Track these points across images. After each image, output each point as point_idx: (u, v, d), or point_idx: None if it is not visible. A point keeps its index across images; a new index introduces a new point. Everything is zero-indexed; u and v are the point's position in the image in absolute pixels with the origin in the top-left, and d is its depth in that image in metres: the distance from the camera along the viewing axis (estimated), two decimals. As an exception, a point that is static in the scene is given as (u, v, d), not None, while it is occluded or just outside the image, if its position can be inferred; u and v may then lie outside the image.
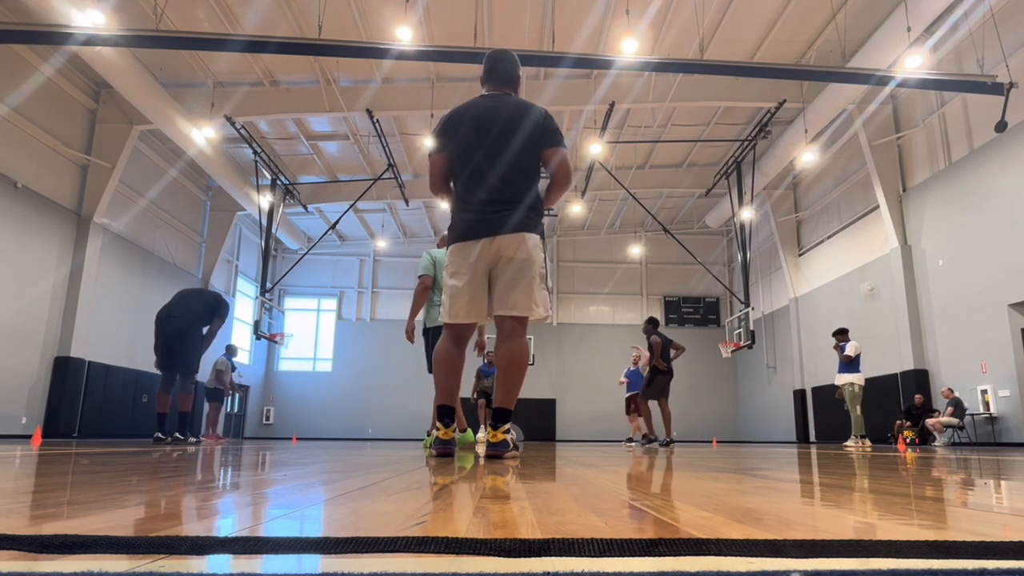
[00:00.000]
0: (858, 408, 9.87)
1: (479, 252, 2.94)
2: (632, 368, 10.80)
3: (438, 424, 3.22)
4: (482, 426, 10.65)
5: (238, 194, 17.31)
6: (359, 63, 13.41)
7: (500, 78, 3.19)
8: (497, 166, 2.97)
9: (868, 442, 9.94)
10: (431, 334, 5.08)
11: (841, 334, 10.27)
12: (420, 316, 5.30)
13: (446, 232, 3.38)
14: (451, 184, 3.17)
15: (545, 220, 3.42)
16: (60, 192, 12.82)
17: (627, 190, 16.49)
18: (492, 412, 3.09)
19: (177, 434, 7.18)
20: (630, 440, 10.92)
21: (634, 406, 10.56)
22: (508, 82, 3.20)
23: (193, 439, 7.27)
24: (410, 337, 5.21)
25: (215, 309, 7.10)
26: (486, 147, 2.99)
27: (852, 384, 9.88)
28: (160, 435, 6.79)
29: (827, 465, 3.08)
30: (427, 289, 5.10)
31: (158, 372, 6.91)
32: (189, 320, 6.90)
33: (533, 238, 2.96)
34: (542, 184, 3.14)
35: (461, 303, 2.98)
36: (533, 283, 2.94)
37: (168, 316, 6.86)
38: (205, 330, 7.16)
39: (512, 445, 3.14)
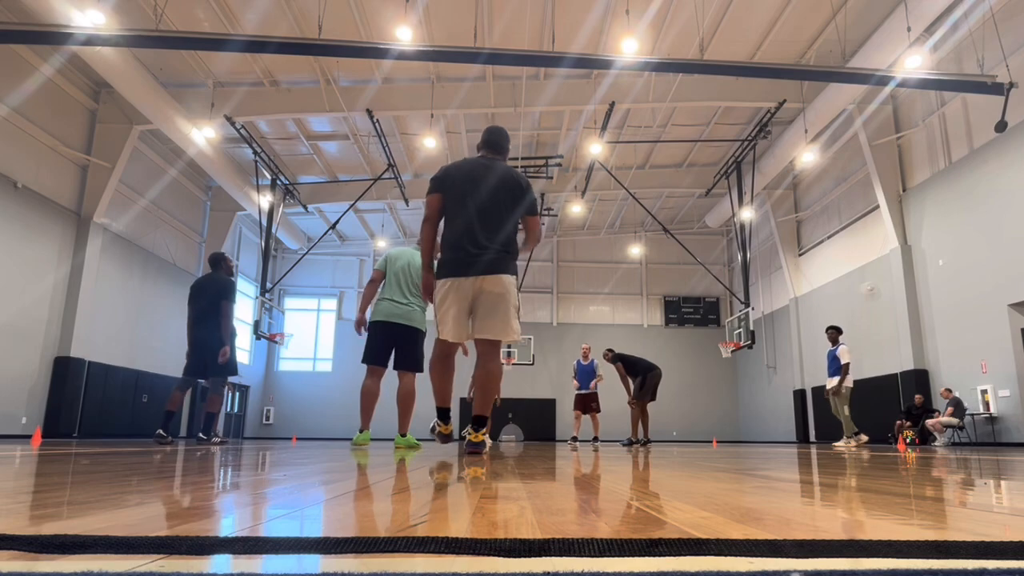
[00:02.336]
0: (846, 408, 9.91)
1: (466, 287, 3.56)
2: (584, 363, 10.69)
3: (439, 422, 3.99)
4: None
5: (238, 194, 17.31)
6: (359, 63, 13.41)
7: (494, 147, 3.91)
8: (486, 218, 3.62)
9: (864, 436, 9.95)
10: (373, 328, 5.41)
11: (834, 330, 10.24)
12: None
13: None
14: (437, 219, 3.82)
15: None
16: (60, 192, 12.82)
17: (627, 190, 16.50)
18: (471, 419, 3.71)
19: (201, 434, 6.96)
20: (575, 440, 10.84)
21: (595, 404, 10.52)
22: (500, 151, 3.92)
23: (217, 439, 7.06)
24: (358, 329, 5.49)
25: (219, 295, 6.73)
26: (479, 201, 3.63)
27: (844, 386, 9.88)
28: (162, 432, 6.47)
29: (827, 465, 3.08)
30: (375, 283, 5.51)
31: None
32: (213, 327, 6.64)
33: (509, 278, 3.62)
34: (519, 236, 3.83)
35: (450, 325, 3.58)
36: (508, 313, 3.58)
37: (196, 327, 6.64)
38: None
39: (487, 446, 4.01)
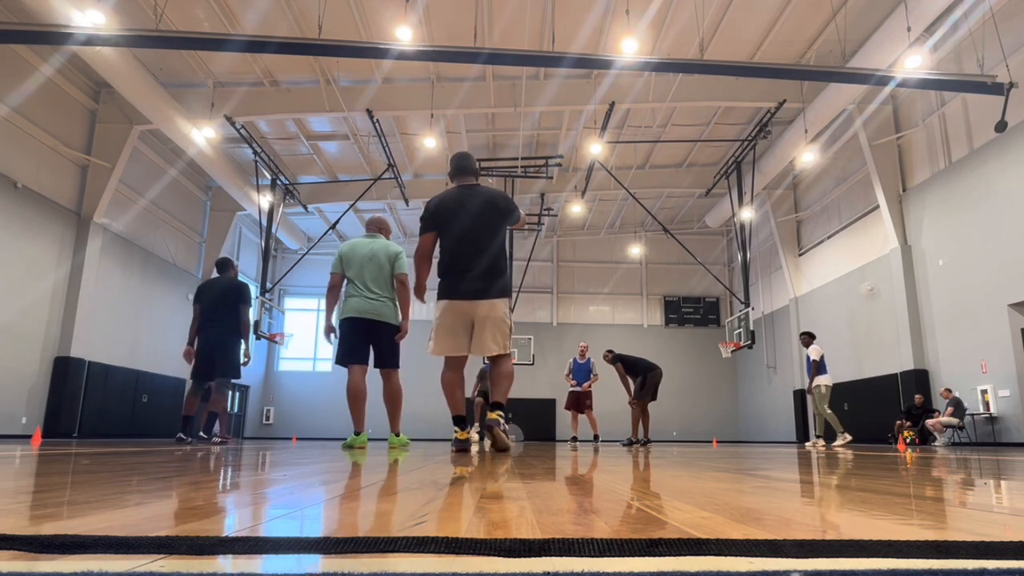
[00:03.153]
0: (826, 407, 10.11)
1: (463, 309, 4.03)
2: (580, 361, 10.67)
3: (456, 428, 4.19)
4: (475, 424, 10.62)
5: (238, 194, 17.31)
6: (359, 63, 13.41)
7: (466, 172, 4.27)
8: (476, 245, 4.03)
9: (823, 442, 10.24)
10: (345, 326, 5.13)
11: (807, 336, 10.51)
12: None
13: (371, 218, 5.57)
14: (432, 255, 4.24)
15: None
16: (60, 192, 12.82)
17: (627, 190, 16.49)
18: (489, 403, 4.17)
19: (202, 433, 6.99)
20: (575, 439, 10.83)
21: (588, 402, 10.52)
22: (473, 174, 4.29)
23: (217, 439, 7.10)
24: (328, 336, 5.20)
25: (238, 298, 6.78)
26: (468, 230, 4.05)
27: (819, 386, 10.12)
28: (183, 436, 6.60)
29: (827, 465, 3.09)
30: (336, 288, 5.21)
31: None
32: (226, 329, 6.69)
33: (501, 301, 4.08)
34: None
35: (446, 342, 4.07)
36: (499, 333, 4.06)
37: (205, 329, 6.66)
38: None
39: (503, 424, 4.22)
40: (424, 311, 23.23)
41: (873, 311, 14.93)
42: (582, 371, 10.57)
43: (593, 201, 20.52)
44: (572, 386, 10.64)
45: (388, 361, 5.21)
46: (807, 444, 10.15)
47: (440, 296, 4.10)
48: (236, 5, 11.76)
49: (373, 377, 5.28)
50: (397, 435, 5.33)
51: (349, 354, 5.09)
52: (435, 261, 4.22)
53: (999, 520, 0.98)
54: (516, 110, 14.56)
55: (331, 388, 22.15)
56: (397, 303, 5.29)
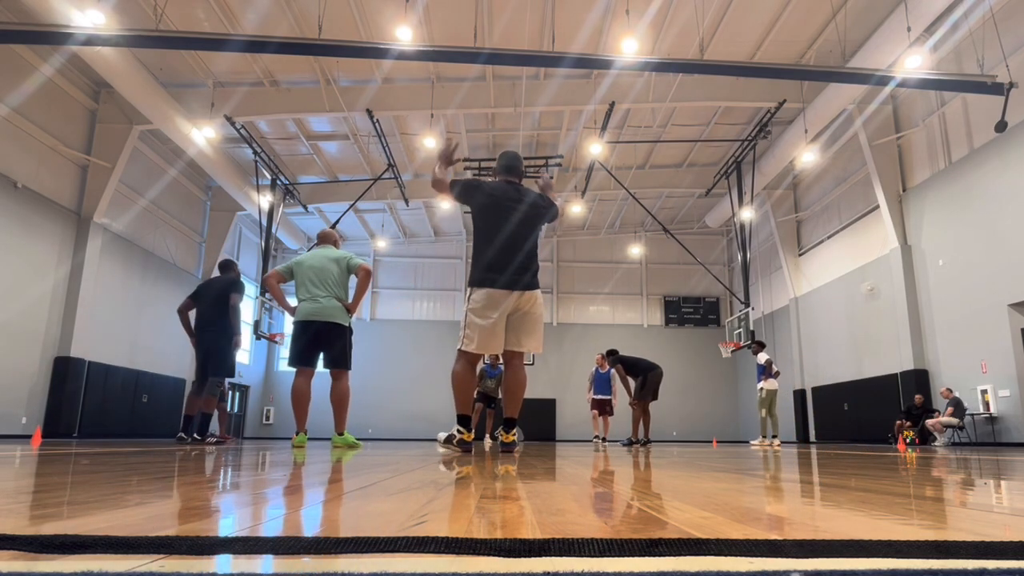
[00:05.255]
0: (764, 411, 10.89)
1: (505, 300, 3.90)
2: (601, 372, 10.88)
3: (460, 428, 4.07)
4: (487, 433, 10.68)
5: (238, 194, 17.31)
6: (359, 63, 13.41)
7: (513, 172, 4.29)
8: (520, 239, 4.01)
9: (767, 440, 10.93)
10: (297, 329, 5.34)
11: (757, 344, 11.43)
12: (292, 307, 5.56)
13: (328, 229, 5.63)
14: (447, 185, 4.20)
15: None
16: (60, 192, 12.82)
17: (627, 190, 16.50)
18: (503, 420, 4.15)
19: (196, 435, 7.05)
20: (599, 439, 11.03)
21: (609, 408, 10.79)
22: (518, 175, 4.33)
23: (212, 439, 7.14)
24: (292, 312, 5.47)
25: (230, 289, 6.88)
26: (513, 224, 4.01)
27: (762, 389, 10.94)
28: (183, 435, 6.76)
29: (827, 465, 3.09)
30: (271, 278, 5.54)
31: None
32: (218, 330, 6.80)
33: (540, 294, 4.07)
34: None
35: (484, 338, 3.89)
36: (541, 330, 4.05)
37: (201, 330, 6.79)
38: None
39: (519, 447, 4.36)
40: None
41: (873, 311, 14.93)
42: (602, 380, 10.83)
43: (593, 201, 20.52)
44: (594, 395, 11.00)
45: (340, 363, 5.35)
46: (765, 442, 10.72)
47: (479, 284, 3.90)
48: (236, 5, 11.76)
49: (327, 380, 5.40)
50: (341, 434, 5.40)
51: (297, 357, 5.27)
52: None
53: (999, 520, 0.98)
54: (516, 110, 14.56)
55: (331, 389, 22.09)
56: (344, 305, 5.45)
